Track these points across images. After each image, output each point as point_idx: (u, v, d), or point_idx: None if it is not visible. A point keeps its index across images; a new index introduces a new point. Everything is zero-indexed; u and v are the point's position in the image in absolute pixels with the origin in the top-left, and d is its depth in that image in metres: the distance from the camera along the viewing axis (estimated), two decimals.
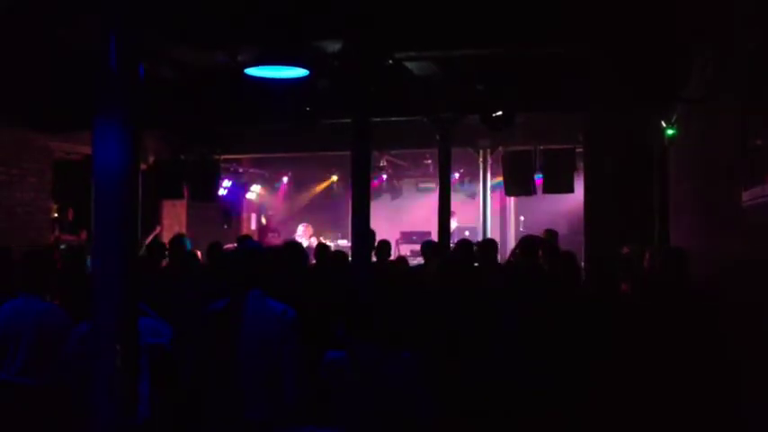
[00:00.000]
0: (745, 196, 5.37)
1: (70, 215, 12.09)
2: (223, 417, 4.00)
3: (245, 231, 17.44)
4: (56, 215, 11.86)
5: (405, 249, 14.92)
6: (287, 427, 3.88)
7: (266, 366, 3.99)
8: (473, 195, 15.92)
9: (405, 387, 3.75)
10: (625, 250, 8.19)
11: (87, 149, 2.91)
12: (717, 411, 5.06)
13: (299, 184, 19.53)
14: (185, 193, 13.45)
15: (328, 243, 13.22)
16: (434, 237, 11.07)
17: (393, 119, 10.39)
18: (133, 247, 3.32)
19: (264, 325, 4.04)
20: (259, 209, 19.49)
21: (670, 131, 9.32)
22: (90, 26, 3.33)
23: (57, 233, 11.67)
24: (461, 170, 16.62)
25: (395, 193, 18.82)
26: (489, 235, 13.70)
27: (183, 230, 14.37)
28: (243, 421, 3.96)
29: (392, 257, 9.58)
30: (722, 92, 6.55)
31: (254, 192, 18.32)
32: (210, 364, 4.09)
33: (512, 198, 17.28)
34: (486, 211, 14.17)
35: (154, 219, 14.12)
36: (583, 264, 11.36)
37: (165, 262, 8.16)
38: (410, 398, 3.76)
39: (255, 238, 16.89)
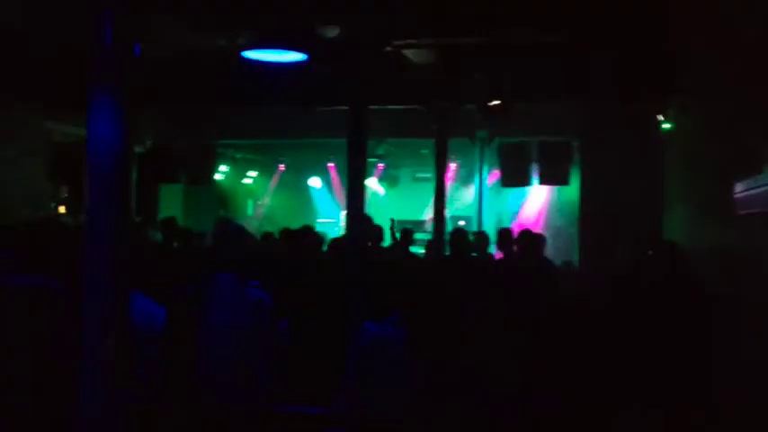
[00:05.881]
0: (738, 188, 5.40)
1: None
2: (196, 401, 3.96)
3: (241, 217, 17.41)
4: (66, 195, 11.88)
5: None
6: (268, 407, 3.88)
7: (239, 351, 3.93)
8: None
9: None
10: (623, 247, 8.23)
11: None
12: (709, 401, 5.10)
13: (296, 171, 19.49)
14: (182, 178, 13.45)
15: None
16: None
17: (390, 107, 10.38)
18: (127, 226, 3.32)
19: (237, 310, 3.97)
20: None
21: (666, 125, 9.35)
22: (86, 4, 3.31)
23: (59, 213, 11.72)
24: (458, 161, 16.62)
25: (391, 181, 18.82)
26: (485, 225, 13.74)
27: (179, 215, 14.36)
28: (215, 405, 3.93)
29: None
30: (718, 86, 6.57)
31: (251, 177, 18.30)
32: (182, 348, 4.03)
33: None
34: (482, 202, 14.18)
35: (151, 203, 14.11)
36: (578, 255, 11.46)
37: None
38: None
39: (251, 223, 16.91)
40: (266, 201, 19.64)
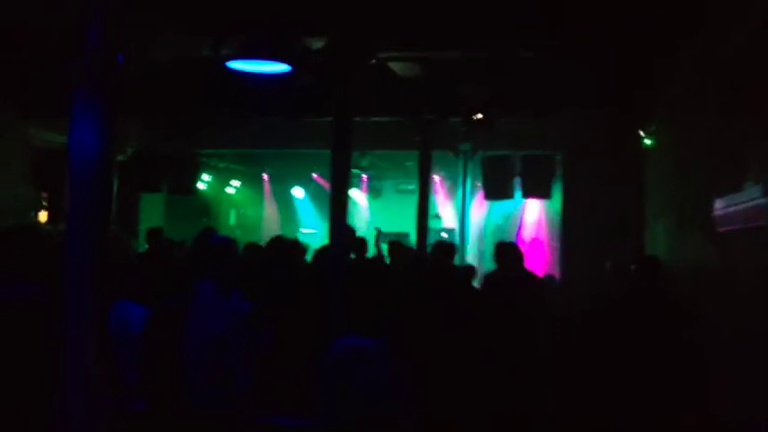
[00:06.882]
0: (718, 205, 5.45)
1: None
2: (175, 409, 3.94)
3: (223, 227, 17.33)
4: (46, 202, 11.79)
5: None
6: (248, 417, 3.86)
7: (216, 360, 3.91)
8: None
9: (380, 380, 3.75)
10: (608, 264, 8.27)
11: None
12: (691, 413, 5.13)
13: (279, 181, 19.45)
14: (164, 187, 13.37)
15: None
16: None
17: (375, 119, 10.40)
18: (107, 230, 3.31)
19: (214, 319, 3.96)
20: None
21: (648, 141, 9.43)
22: (71, 12, 3.31)
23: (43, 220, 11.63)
24: (442, 173, 16.67)
25: (375, 193, 18.85)
26: (469, 238, 13.78)
27: (161, 224, 14.26)
28: (195, 414, 3.91)
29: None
30: (699, 103, 6.64)
31: (234, 187, 18.25)
32: (160, 357, 4.01)
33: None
34: (466, 215, 14.21)
35: (131, 211, 14.00)
36: (560, 269, 11.50)
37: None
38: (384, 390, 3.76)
39: (233, 233, 16.82)
40: (270, 210, 19.60)
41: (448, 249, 7.77)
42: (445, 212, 17.51)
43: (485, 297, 6.84)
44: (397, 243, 8.81)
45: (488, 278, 7.37)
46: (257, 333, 4.18)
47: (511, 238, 14.35)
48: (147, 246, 8.55)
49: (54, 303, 3.31)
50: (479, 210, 16.17)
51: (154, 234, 8.41)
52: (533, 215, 15.47)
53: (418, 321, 5.31)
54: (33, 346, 3.47)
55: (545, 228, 15.12)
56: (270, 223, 19.19)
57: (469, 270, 8.27)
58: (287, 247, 7.12)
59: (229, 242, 4.34)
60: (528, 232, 15.41)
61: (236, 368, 3.93)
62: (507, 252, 7.27)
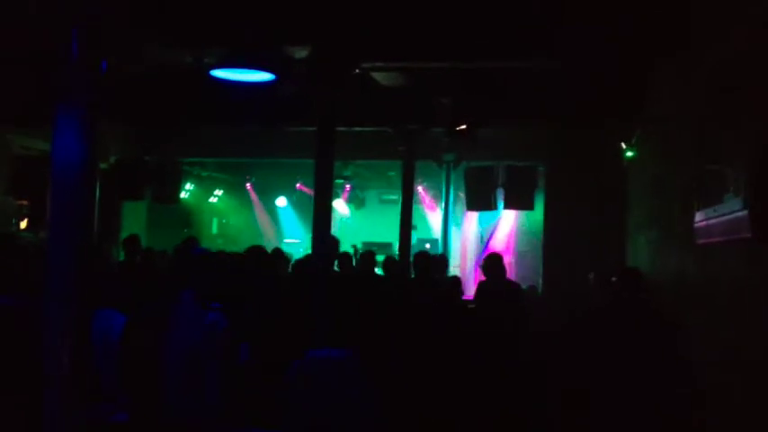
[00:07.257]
0: (698, 217, 5.49)
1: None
2: (149, 415, 3.93)
3: (205, 236, 17.26)
4: (26, 211, 11.69)
5: None
6: (219, 427, 3.86)
7: (192, 369, 3.93)
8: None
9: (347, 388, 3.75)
10: (591, 275, 8.33)
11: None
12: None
13: (263, 191, 19.39)
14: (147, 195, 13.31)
15: None
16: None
17: (358, 128, 10.41)
18: (89, 238, 3.29)
19: (194, 329, 3.97)
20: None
21: (630, 153, 9.50)
22: (55, 20, 3.30)
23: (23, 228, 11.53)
24: (424, 184, 16.70)
25: (357, 203, 18.84)
26: (452, 248, 13.80)
27: (143, 233, 14.16)
28: (169, 420, 3.91)
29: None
30: (680, 115, 6.69)
31: (217, 196, 18.19)
32: (140, 362, 4.01)
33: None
34: (448, 225, 14.23)
35: (113, 220, 13.90)
36: (541, 282, 11.54)
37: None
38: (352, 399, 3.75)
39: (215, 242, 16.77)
40: (254, 219, 19.57)
41: (430, 260, 7.81)
42: (435, 223, 17.54)
43: (472, 308, 6.89)
44: (370, 253, 8.78)
45: (480, 288, 7.45)
46: (234, 346, 4.18)
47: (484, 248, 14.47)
48: (123, 254, 8.55)
49: (32, 313, 3.30)
50: (473, 220, 16.23)
51: (131, 242, 8.39)
52: (507, 226, 15.54)
53: (403, 332, 5.32)
54: (12, 355, 3.44)
55: (514, 239, 15.21)
56: (253, 232, 19.14)
57: (456, 281, 8.27)
58: (267, 255, 7.10)
59: (209, 255, 4.36)
60: (499, 243, 15.45)
61: (210, 379, 3.93)
62: (495, 263, 7.35)
